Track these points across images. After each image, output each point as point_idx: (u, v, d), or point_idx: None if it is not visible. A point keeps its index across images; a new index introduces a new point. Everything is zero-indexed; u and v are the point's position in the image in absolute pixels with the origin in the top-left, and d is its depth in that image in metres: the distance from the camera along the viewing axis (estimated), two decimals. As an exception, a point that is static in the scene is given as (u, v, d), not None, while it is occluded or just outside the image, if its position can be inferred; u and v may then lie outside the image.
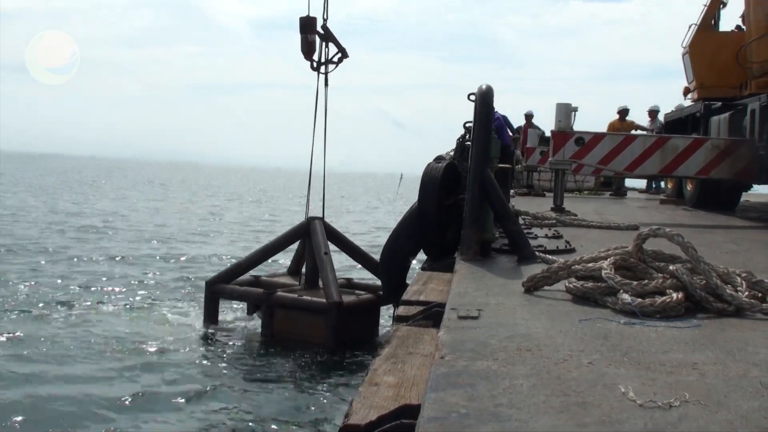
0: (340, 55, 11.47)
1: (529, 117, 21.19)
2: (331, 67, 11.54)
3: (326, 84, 11.52)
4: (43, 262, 17.09)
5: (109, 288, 14.44)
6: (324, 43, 11.36)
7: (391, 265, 7.23)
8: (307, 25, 11.09)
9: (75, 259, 17.99)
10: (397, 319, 4.04)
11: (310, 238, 11.38)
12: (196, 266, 18.24)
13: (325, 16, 11.20)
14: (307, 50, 11.21)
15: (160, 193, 56.91)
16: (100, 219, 29.36)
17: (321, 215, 11.82)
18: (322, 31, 11.23)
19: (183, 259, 19.42)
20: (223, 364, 9.74)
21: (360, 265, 12.89)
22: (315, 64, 11.41)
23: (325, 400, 8.63)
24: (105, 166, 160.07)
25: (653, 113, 20.01)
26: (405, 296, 4.53)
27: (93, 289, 14.32)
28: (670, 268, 3.76)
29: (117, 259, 18.56)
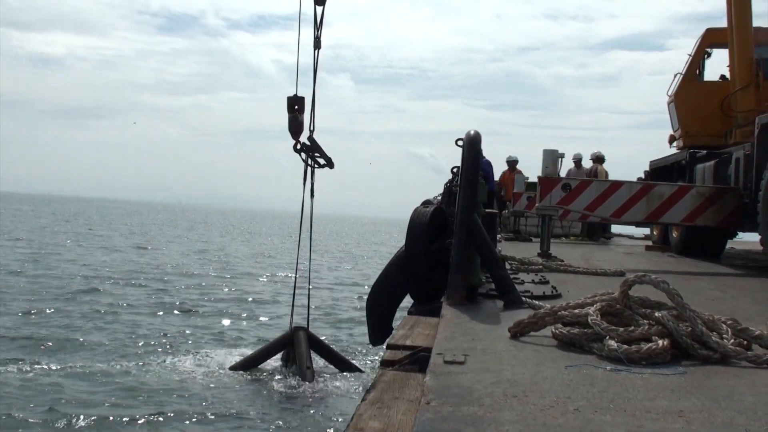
0: (325, 164, 11.39)
1: (511, 163, 21.34)
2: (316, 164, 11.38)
3: (312, 195, 11.47)
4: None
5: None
6: (310, 153, 11.26)
7: (377, 307, 7.19)
8: (295, 104, 11.05)
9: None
10: (383, 364, 4.01)
11: (294, 349, 11.23)
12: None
13: (311, 128, 11.14)
14: (295, 130, 11.10)
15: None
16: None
17: (306, 323, 11.75)
18: (308, 143, 11.20)
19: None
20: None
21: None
22: (298, 146, 11.26)
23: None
24: (151, 210, 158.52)
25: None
26: (391, 340, 4.50)
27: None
28: (656, 314, 3.77)
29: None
